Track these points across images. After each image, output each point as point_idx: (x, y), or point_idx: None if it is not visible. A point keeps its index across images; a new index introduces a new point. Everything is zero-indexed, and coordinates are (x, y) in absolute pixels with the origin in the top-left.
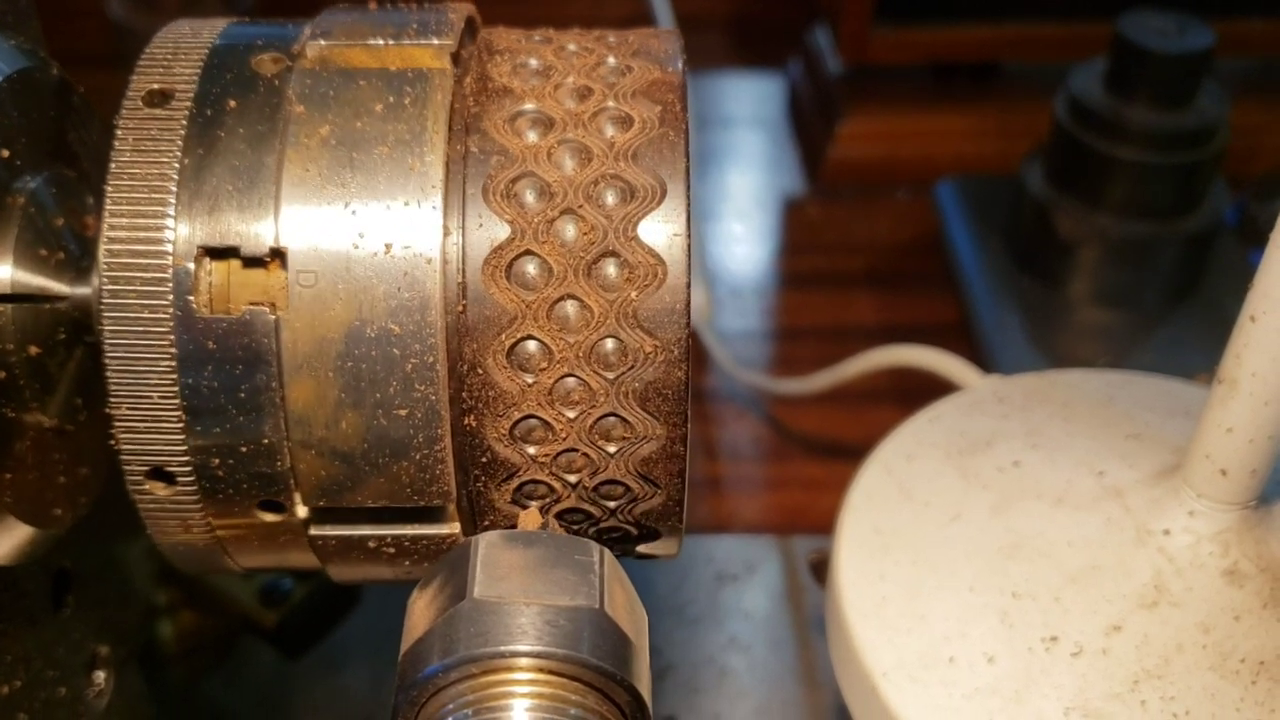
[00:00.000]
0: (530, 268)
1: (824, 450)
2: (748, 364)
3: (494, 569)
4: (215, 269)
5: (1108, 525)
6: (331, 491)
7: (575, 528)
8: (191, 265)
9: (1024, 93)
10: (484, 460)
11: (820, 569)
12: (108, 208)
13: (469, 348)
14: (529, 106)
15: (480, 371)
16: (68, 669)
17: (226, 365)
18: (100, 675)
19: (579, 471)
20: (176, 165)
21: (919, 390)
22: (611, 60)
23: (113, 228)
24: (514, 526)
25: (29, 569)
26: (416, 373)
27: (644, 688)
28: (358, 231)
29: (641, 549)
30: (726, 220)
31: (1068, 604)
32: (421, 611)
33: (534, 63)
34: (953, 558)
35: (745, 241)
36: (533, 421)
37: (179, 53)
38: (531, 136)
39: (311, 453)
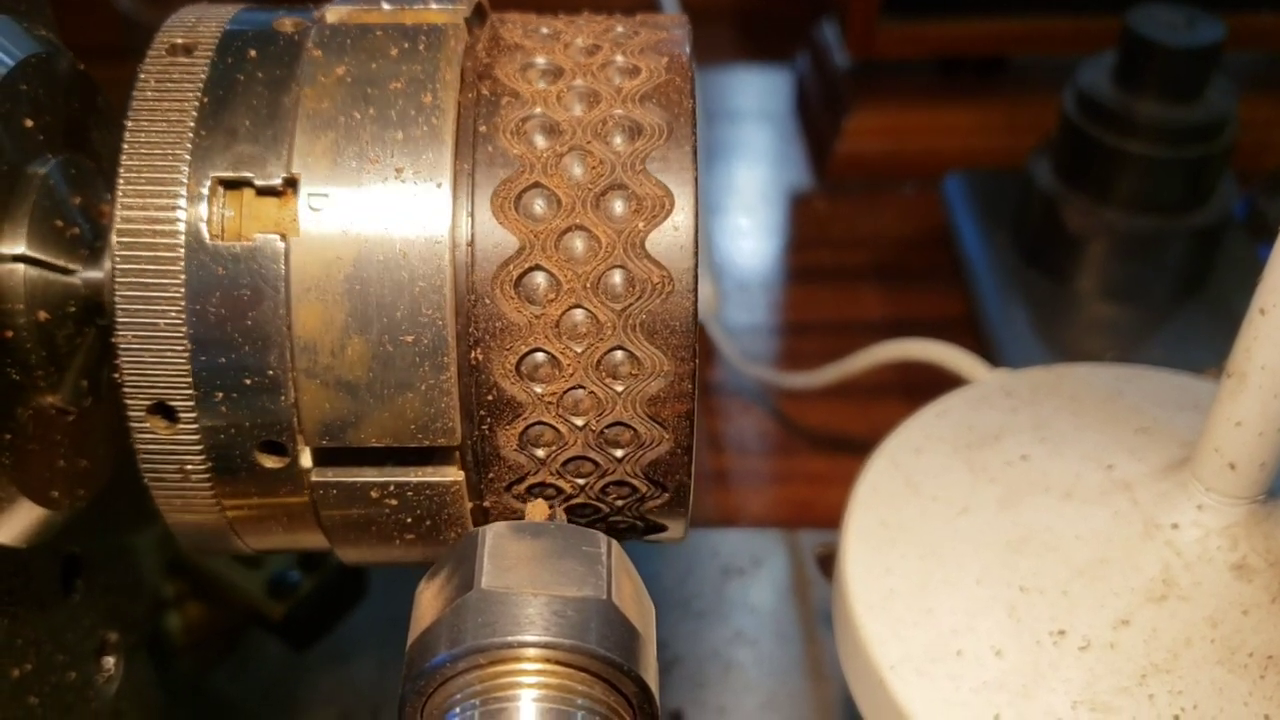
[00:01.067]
0: (538, 201)
1: (831, 444)
2: (755, 358)
3: (501, 560)
4: (228, 199)
5: (1116, 519)
6: (335, 428)
7: (582, 480)
8: (205, 193)
9: (1032, 87)
10: (490, 399)
11: (827, 563)
12: (126, 139)
13: (476, 277)
14: (540, 60)
15: (488, 302)
16: (77, 654)
17: (234, 291)
18: (110, 661)
19: (585, 414)
20: (195, 104)
21: (926, 384)
22: (619, 29)
23: (130, 155)
24: (520, 481)
25: (38, 553)
26: (424, 296)
27: (651, 679)
28: (369, 158)
29: (650, 510)
30: (733, 214)
31: (1076, 598)
32: (429, 602)
33: (544, 29)
34: (960, 551)
35: (752, 236)
36: (539, 356)
37: (202, 19)
38: (541, 84)
39: (316, 383)
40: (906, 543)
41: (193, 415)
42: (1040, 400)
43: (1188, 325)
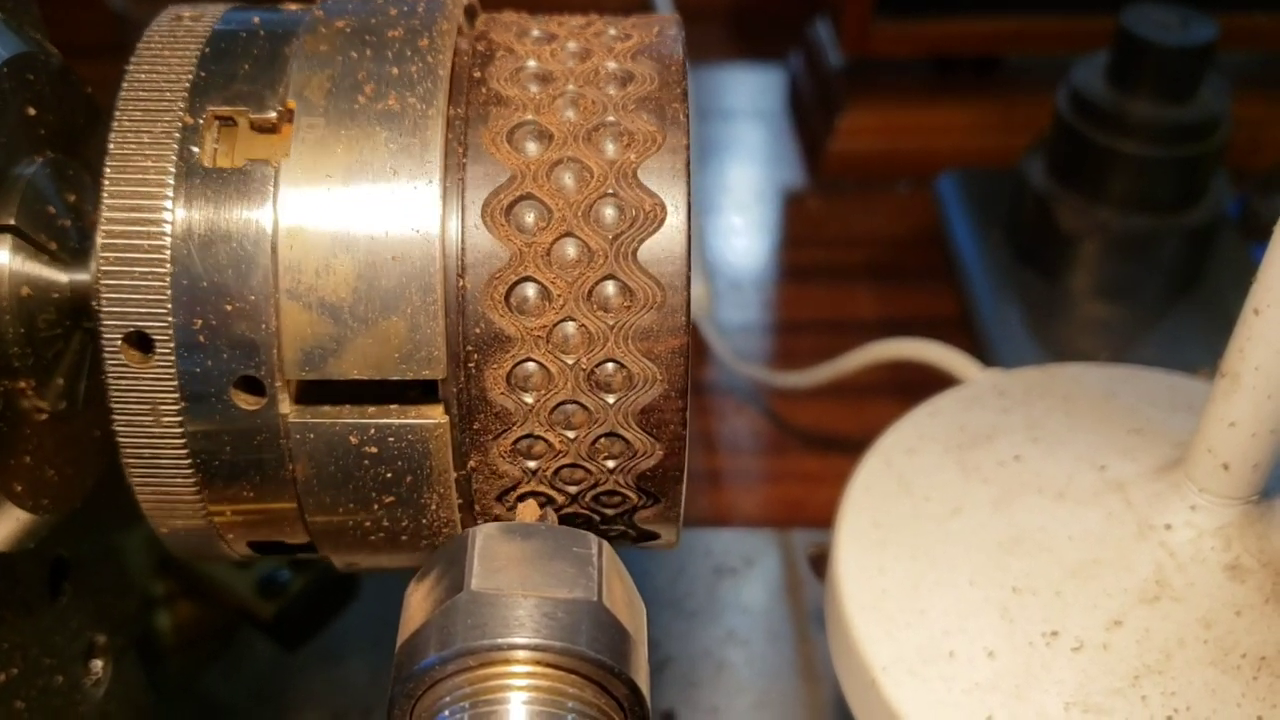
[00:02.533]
0: (530, 140)
1: (823, 444)
2: (747, 357)
3: (491, 561)
4: (223, 135)
5: (1109, 520)
6: (315, 357)
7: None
8: (200, 124)
9: (1025, 86)
10: (477, 331)
11: (820, 563)
12: (127, 78)
13: (469, 199)
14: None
15: (476, 226)
16: (65, 657)
17: (222, 212)
18: (98, 664)
19: (575, 351)
20: (198, 52)
21: (919, 384)
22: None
23: (130, 87)
24: (507, 429)
25: (25, 556)
26: (413, 215)
27: (642, 681)
28: (366, 89)
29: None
30: (726, 213)
31: (1068, 598)
32: (418, 603)
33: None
34: (953, 552)
35: (745, 234)
36: (528, 287)
37: (207, 8)
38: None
39: (299, 305)
40: (899, 543)
41: (169, 346)
42: (1033, 400)
43: (1181, 325)
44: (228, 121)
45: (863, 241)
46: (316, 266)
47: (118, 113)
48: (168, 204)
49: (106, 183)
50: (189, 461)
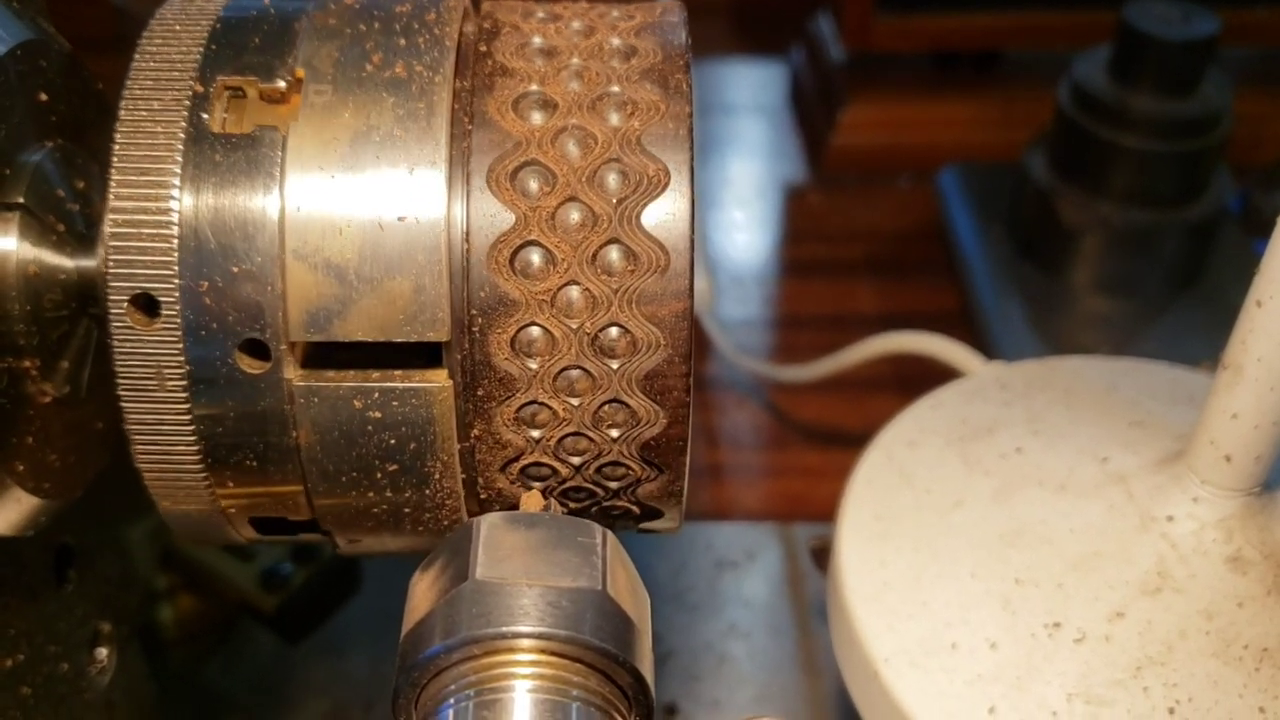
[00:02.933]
0: (535, 109)
1: (825, 438)
2: (749, 351)
3: (496, 550)
4: (233, 104)
5: (1110, 512)
6: (320, 318)
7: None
8: (210, 92)
9: (1027, 80)
10: (482, 294)
11: (822, 556)
12: (139, 50)
13: (474, 166)
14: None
15: (481, 192)
16: (70, 645)
17: (230, 176)
18: (102, 652)
19: (579, 315)
20: (209, 28)
21: (920, 378)
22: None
23: (141, 58)
24: (511, 396)
25: (31, 543)
26: (419, 174)
27: (646, 669)
28: (373, 58)
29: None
30: (728, 208)
31: (1070, 590)
32: (423, 593)
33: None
34: (955, 544)
35: (747, 229)
36: (533, 251)
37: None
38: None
39: (305, 265)
40: (901, 536)
41: (175, 308)
42: (1035, 393)
43: (1182, 319)
44: (237, 92)
45: (864, 236)
46: (323, 228)
47: (129, 82)
48: (176, 168)
49: (116, 147)
50: (192, 430)
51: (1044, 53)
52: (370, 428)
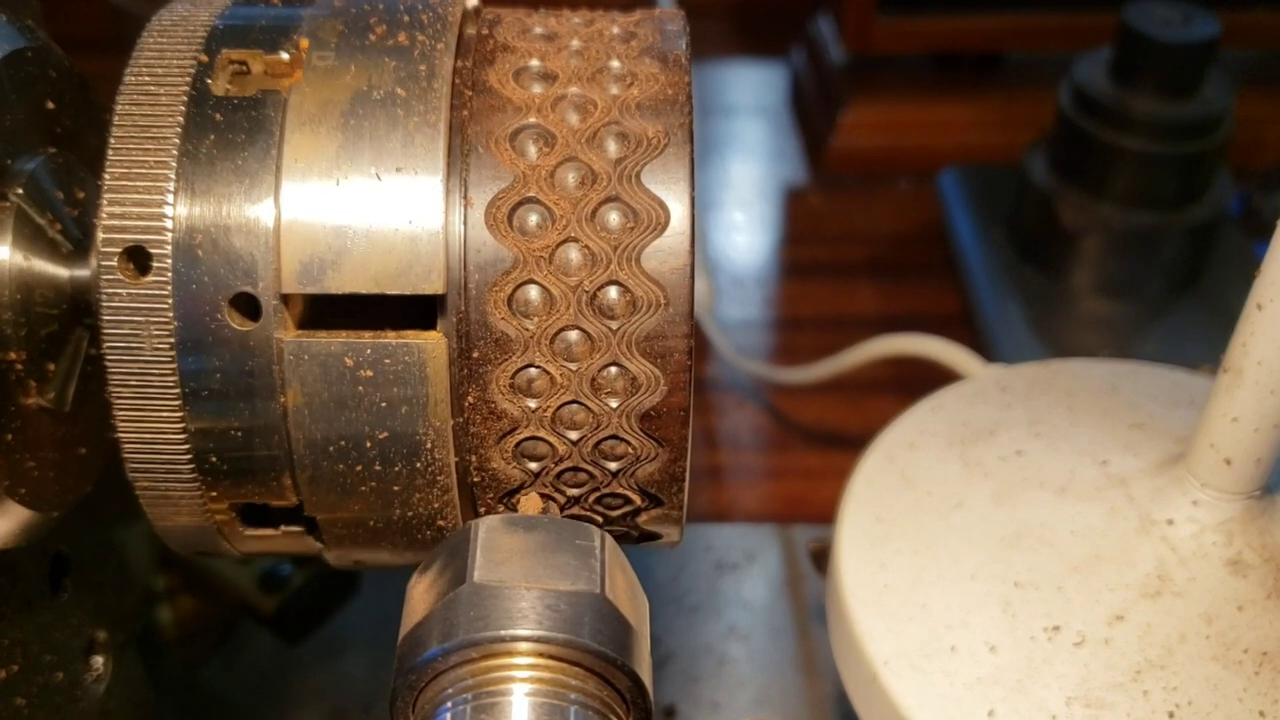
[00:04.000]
0: (536, 82)
1: (824, 439)
2: (749, 353)
3: (494, 553)
4: (236, 78)
5: (1111, 514)
6: (315, 271)
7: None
8: (216, 62)
9: (1027, 82)
10: (478, 251)
11: (821, 558)
12: (148, 27)
13: (472, 129)
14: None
15: (480, 151)
16: (65, 654)
17: (229, 134)
18: (98, 660)
19: (576, 273)
20: (220, 10)
21: (920, 380)
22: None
23: (149, 34)
24: (507, 358)
25: (26, 553)
26: (418, 130)
27: (645, 673)
28: (377, 29)
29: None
30: (728, 209)
31: (1070, 593)
32: (421, 595)
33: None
34: (955, 546)
35: (747, 231)
36: (532, 207)
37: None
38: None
39: (300, 217)
40: (900, 538)
41: (166, 262)
42: (1035, 395)
43: (1183, 321)
44: (241, 66)
45: (864, 238)
46: (320, 180)
47: (135, 54)
48: (176, 126)
49: (118, 106)
50: (177, 394)
51: (1044, 54)
52: (361, 388)
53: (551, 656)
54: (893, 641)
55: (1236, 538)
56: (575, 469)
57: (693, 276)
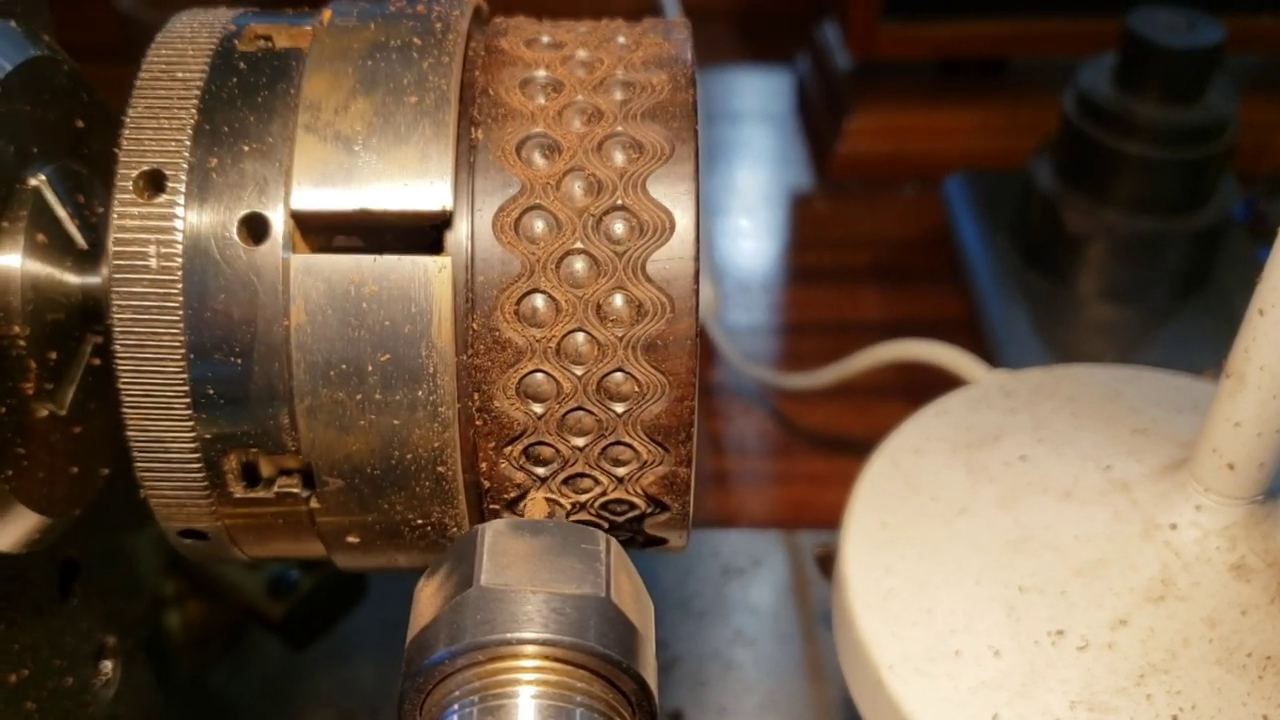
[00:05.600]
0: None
1: (830, 445)
2: (754, 359)
3: (501, 557)
4: (262, 49)
5: (1114, 519)
6: (325, 185)
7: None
8: (243, 31)
9: (1032, 88)
10: (488, 175)
11: (827, 563)
12: (174, 17)
13: (482, 78)
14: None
15: (491, 94)
16: (75, 658)
17: (251, 77)
18: (107, 665)
19: (583, 199)
20: (245, 9)
21: (925, 385)
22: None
23: (179, 17)
24: (513, 283)
25: (35, 558)
26: (431, 69)
27: (650, 676)
28: (396, 4)
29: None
30: (734, 215)
31: (1074, 598)
32: (428, 599)
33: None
34: (959, 551)
35: (753, 237)
36: (538, 142)
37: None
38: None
39: (314, 137)
40: (906, 543)
41: (180, 183)
42: (1039, 401)
43: (1187, 327)
44: (267, 40)
45: (870, 243)
46: (335, 105)
47: (165, 30)
48: (201, 70)
49: (146, 60)
50: (179, 316)
51: (1049, 60)
52: (365, 305)
53: (557, 659)
54: (898, 646)
55: (1240, 542)
56: (579, 409)
57: (698, 284)
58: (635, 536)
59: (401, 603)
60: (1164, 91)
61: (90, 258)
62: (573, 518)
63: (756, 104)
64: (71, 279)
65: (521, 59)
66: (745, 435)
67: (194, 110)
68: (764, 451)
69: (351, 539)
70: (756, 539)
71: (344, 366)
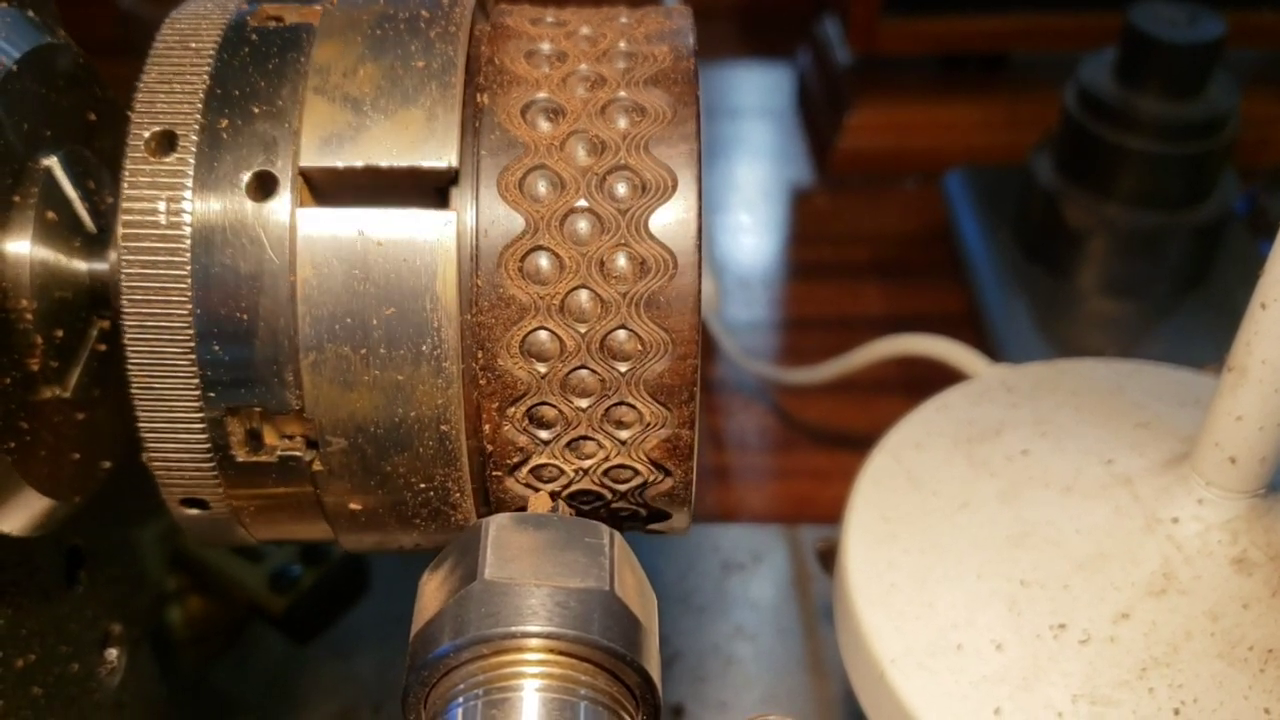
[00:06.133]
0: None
1: (831, 440)
2: (755, 354)
3: (504, 551)
4: (272, 21)
5: (1116, 513)
6: (333, 144)
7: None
8: (255, 11)
9: (1033, 83)
10: (493, 137)
11: (828, 558)
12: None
13: (488, 49)
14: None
15: (496, 63)
16: (81, 645)
17: (263, 47)
18: (113, 653)
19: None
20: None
21: (926, 380)
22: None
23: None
24: (518, 239)
25: (42, 544)
26: (439, 38)
27: (654, 669)
28: None
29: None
30: (735, 211)
31: (1076, 591)
32: (432, 593)
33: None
34: (961, 545)
35: (753, 232)
36: (541, 105)
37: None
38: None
39: (323, 99)
40: (907, 537)
41: (191, 141)
42: (1041, 395)
43: (1189, 321)
44: (279, 20)
45: (871, 238)
46: (345, 69)
47: (179, 8)
48: (214, 39)
49: (160, 34)
50: (187, 271)
51: (1050, 55)
52: (371, 259)
53: (561, 653)
54: (899, 640)
55: (1241, 536)
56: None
57: (700, 241)
58: (638, 510)
59: (403, 598)
60: (1165, 86)
61: (99, 243)
62: (575, 485)
63: (757, 99)
64: (80, 262)
65: (526, 33)
66: (746, 430)
67: (206, 76)
68: (765, 446)
69: (354, 505)
70: (757, 534)
71: (349, 320)
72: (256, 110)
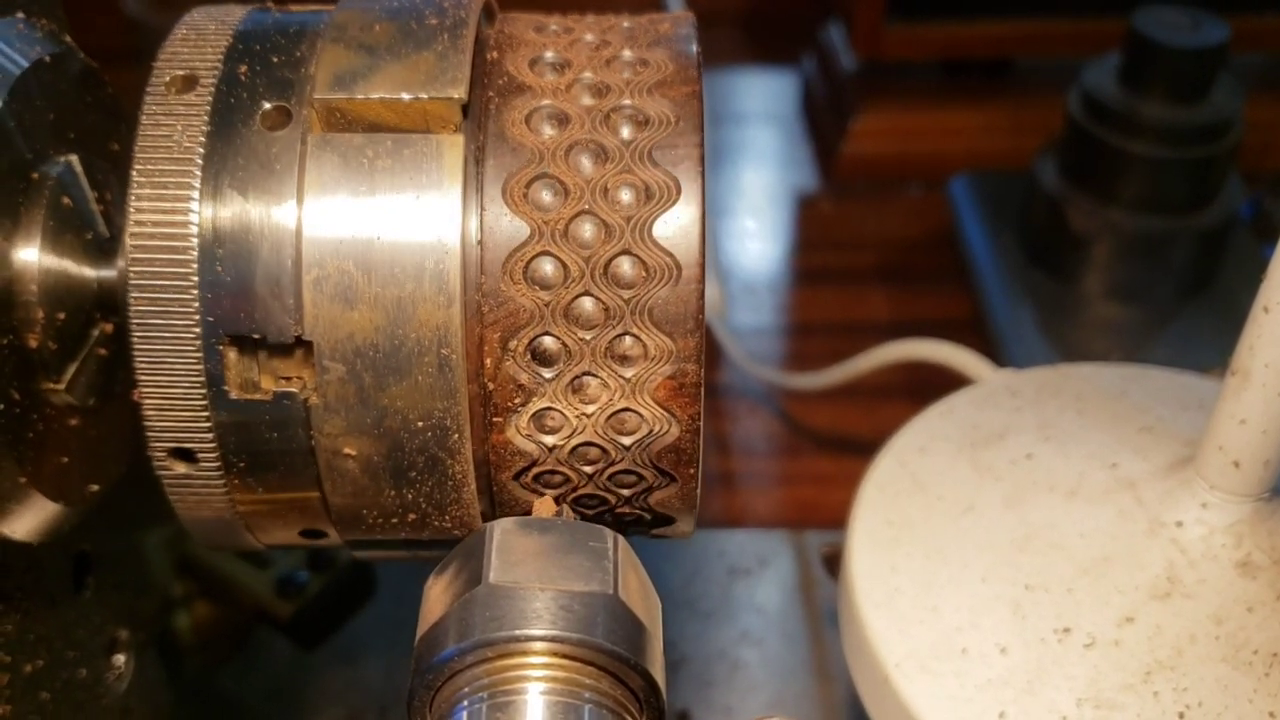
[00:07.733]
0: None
1: (836, 445)
2: (761, 359)
3: (509, 555)
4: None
5: (1120, 517)
6: (346, 80)
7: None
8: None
9: (1037, 88)
10: (500, 82)
11: (833, 562)
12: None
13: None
14: (549, 54)
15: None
16: (88, 651)
17: (284, 19)
18: (120, 659)
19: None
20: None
21: (931, 385)
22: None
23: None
24: (523, 168)
25: (50, 549)
26: (453, 8)
27: (658, 673)
28: None
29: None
30: (740, 216)
31: (1080, 595)
32: (437, 596)
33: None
34: (965, 549)
35: (758, 238)
36: (548, 58)
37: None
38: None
39: (339, 46)
40: (912, 541)
41: (212, 81)
42: (1045, 400)
43: (1193, 325)
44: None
45: (875, 244)
46: (360, 24)
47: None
48: (243, 12)
49: (184, 16)
50: (196, 190)
51: (1054, 60)
52: (377, 177)
53: (566, 656)
54: (904, 644)
55: (1245, 539)
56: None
57: (704, 246)
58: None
59: (409, 602)
60: (1169, 91)
61: (106, 250)
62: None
63: (761, 105)
64: (88, 271)
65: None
66: (751, 436)
67: (229, 35)
68: (770, 452)
69: (349, 451)
70: (763, 539)
71: (353, 236)
72: (276, 60)
